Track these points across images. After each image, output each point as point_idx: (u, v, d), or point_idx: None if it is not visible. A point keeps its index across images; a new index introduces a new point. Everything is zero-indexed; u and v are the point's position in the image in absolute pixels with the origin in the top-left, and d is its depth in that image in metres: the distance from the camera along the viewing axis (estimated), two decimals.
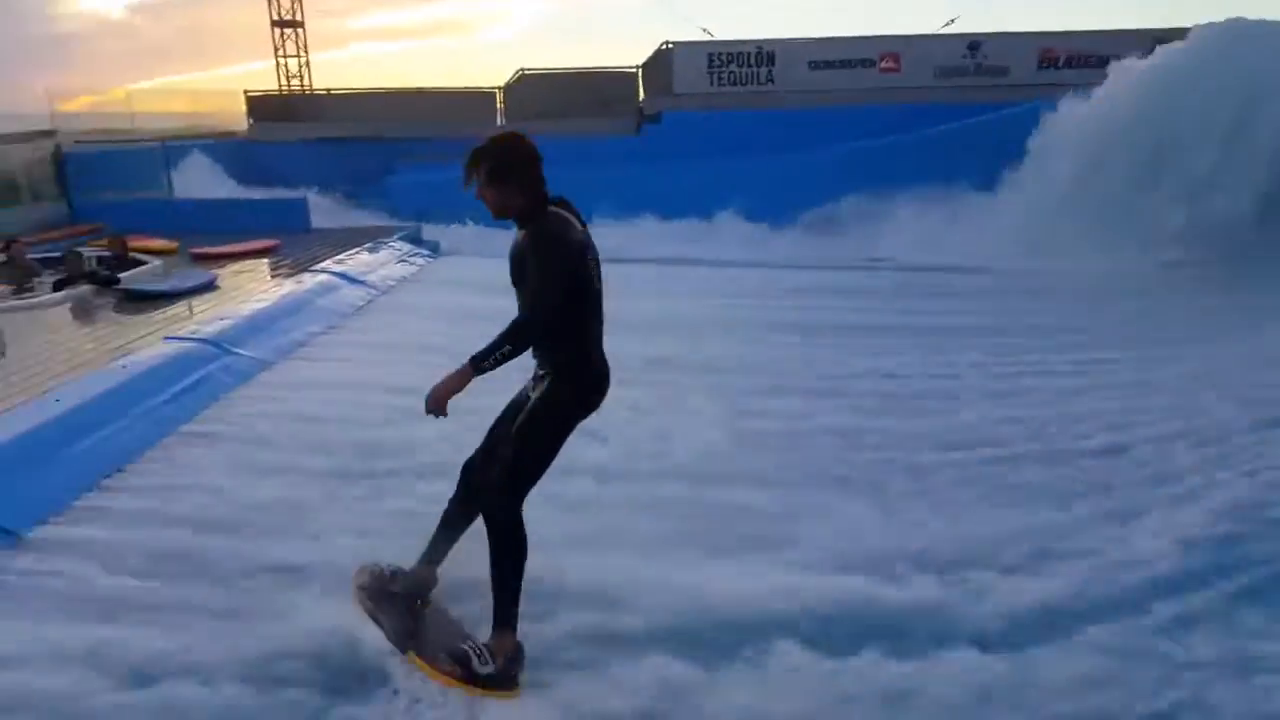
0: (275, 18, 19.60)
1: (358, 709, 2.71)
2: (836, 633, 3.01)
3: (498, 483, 2.82)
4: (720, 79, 17.41)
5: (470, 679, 2.72)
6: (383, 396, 5.42)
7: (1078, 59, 16.31)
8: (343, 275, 8.94)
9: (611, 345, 2.94)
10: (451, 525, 3.10)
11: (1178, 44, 11.87)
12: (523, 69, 17.85)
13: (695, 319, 7.97)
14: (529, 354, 2.81)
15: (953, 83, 16.73)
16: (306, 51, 19.86)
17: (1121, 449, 4.61)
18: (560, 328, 2.76)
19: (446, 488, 3.14)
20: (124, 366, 5.37)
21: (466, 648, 2.78)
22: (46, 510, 3.84)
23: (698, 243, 13.71)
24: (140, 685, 2.72)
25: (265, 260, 9.85)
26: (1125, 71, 12.33)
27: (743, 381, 6.03)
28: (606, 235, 11.99)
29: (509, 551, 2.80)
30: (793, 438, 4.95)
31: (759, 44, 17.44)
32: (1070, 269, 9.93)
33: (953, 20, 17.86)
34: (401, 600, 3.07)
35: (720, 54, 17.45)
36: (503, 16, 46.25)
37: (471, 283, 9.51)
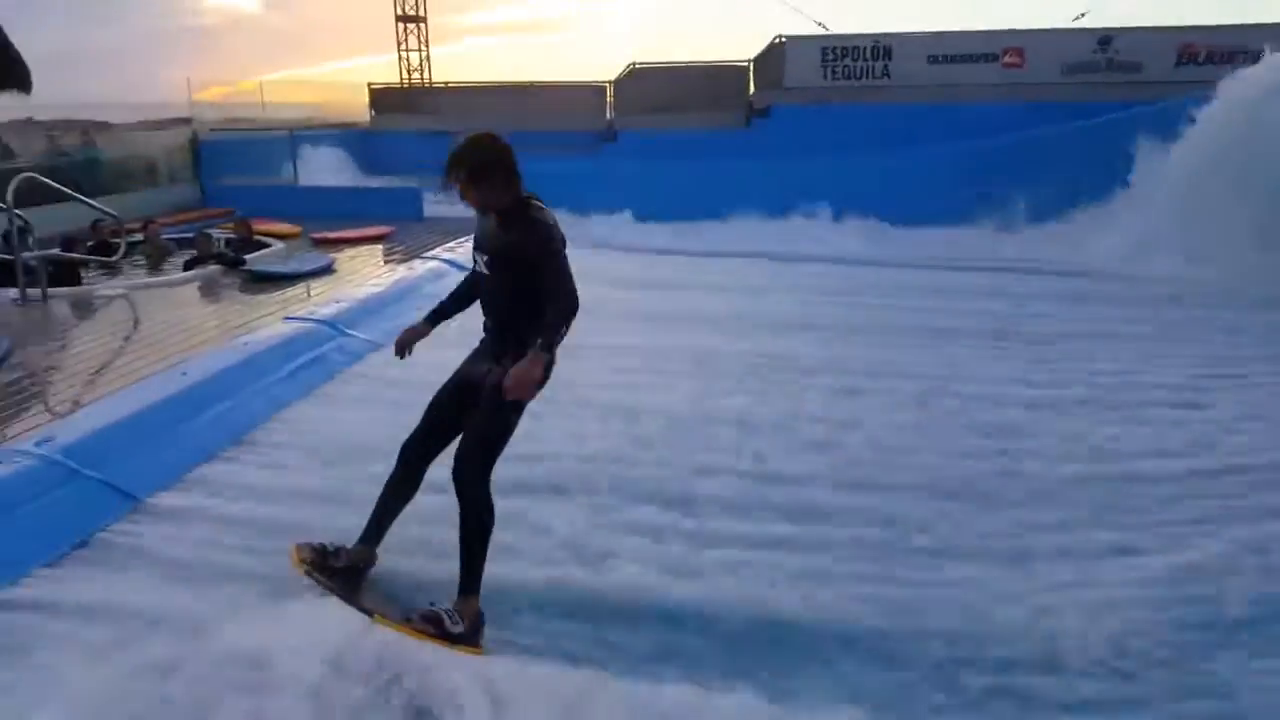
0: (400, 13, 20.20)
1: None
2: None
3: (476, 457, 2.98)
4: (834, 73, 16.91)
5: (444, 636, 2.88)
6: None
7: (1221, 54, 15.06)
8: (451, 262, 9.07)
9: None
10: (392, 505, 3.23)
11: None
12: (634, 63, 17.80)
13: (843, 319, 7.68)
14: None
15: (1082, 79, 15.75)
16: (427, 45, 20.42)
17: None
18: (537, 306, 2.91)
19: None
20: (245, 344, 5.53)
21: (439, 610, 2.95)
22: (166, 478, 3.97)
23: (808, 239, 13.35)
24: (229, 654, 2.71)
25: (380, 246, 10.11)
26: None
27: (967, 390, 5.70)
28: (715, 230, 11.90)
29: (481, 523, 2.98)
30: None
31: (875, 38, 16.85)
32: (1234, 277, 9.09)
33: (1083, 15, 16.90)
34: (346, 574, 3.18)
35: (834, 48, 16.95)
36: (615, 11, 46.56)
37: (580, 275, 9.55)
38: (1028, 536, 3.72)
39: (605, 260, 10.40)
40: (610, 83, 17.96)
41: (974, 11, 54.61)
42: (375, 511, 3.24)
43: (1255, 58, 12.47)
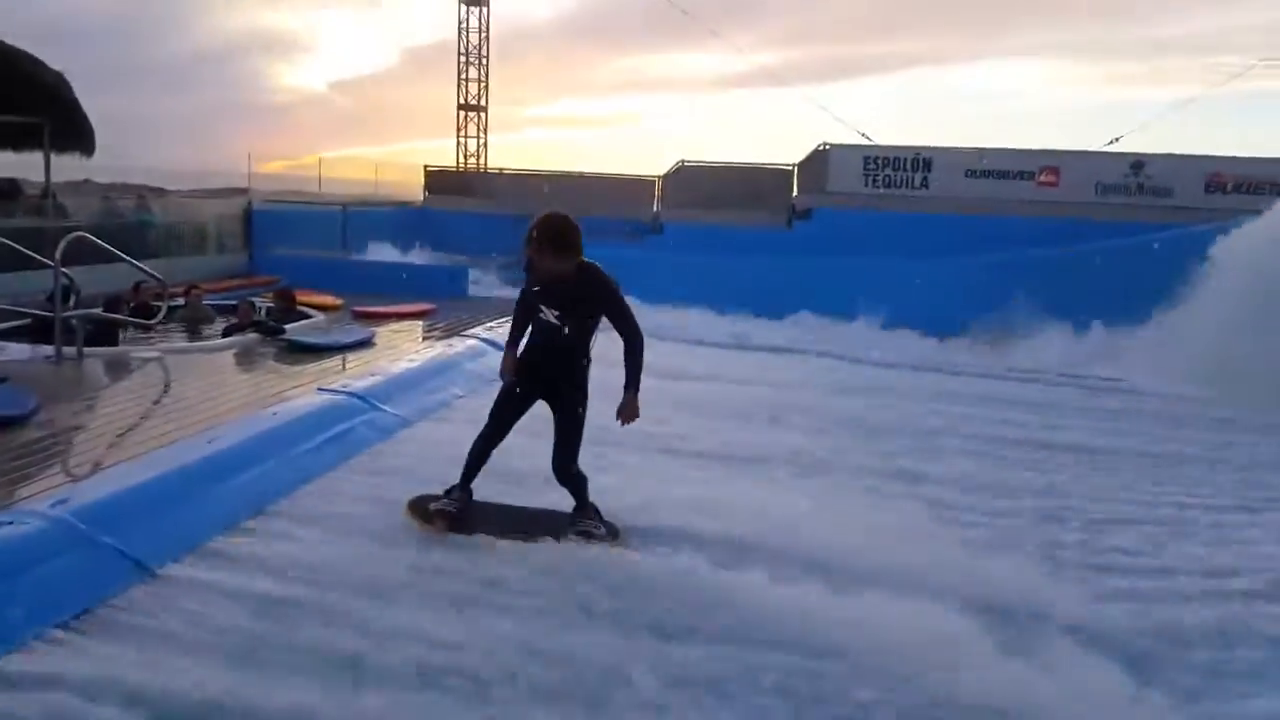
0: (462, 102, 20.95)
1: None
2: None
3: (569, 455, 4.18)
4: (875, 181, 17.19)
5: (605, 537, 4.10)
6: (505, 462, 5.33)
7: (1247, 185, 15.19)
8: (490, 341, 9.00)
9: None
10: (484, 458, 4.34)
11: None
12: (683, 160, 18.21)
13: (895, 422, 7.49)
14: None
15: (1114, 200, 15.93)
16: (485, 133, 21.09)
17: None
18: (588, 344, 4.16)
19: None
20: (274, 413, 5.43)
21: (583, 526, 4.13)
22: (182, 548, 3.79)
23: (850, 339, 13.24)
24: None
25: (421, 322, 10.13)
26: None
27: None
28: (759, 327, 11.76)
29: (582, 482, 4.25)
30: None
31: (917, 150, 17.17)
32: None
33: (1117, 139, 17.16)
34: (474, 508, 4.28)
35: (876, 158, 17.27)
36: (668, 110, 48.26)
37: (613, 359, 9.46)
38: None
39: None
40: (659, 177, 18.34)
41: (1012, 131, 55.91)
42: (472, 464, 4.33)
43: (1276, 189, 12.51)
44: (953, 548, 4.47)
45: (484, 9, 20.62)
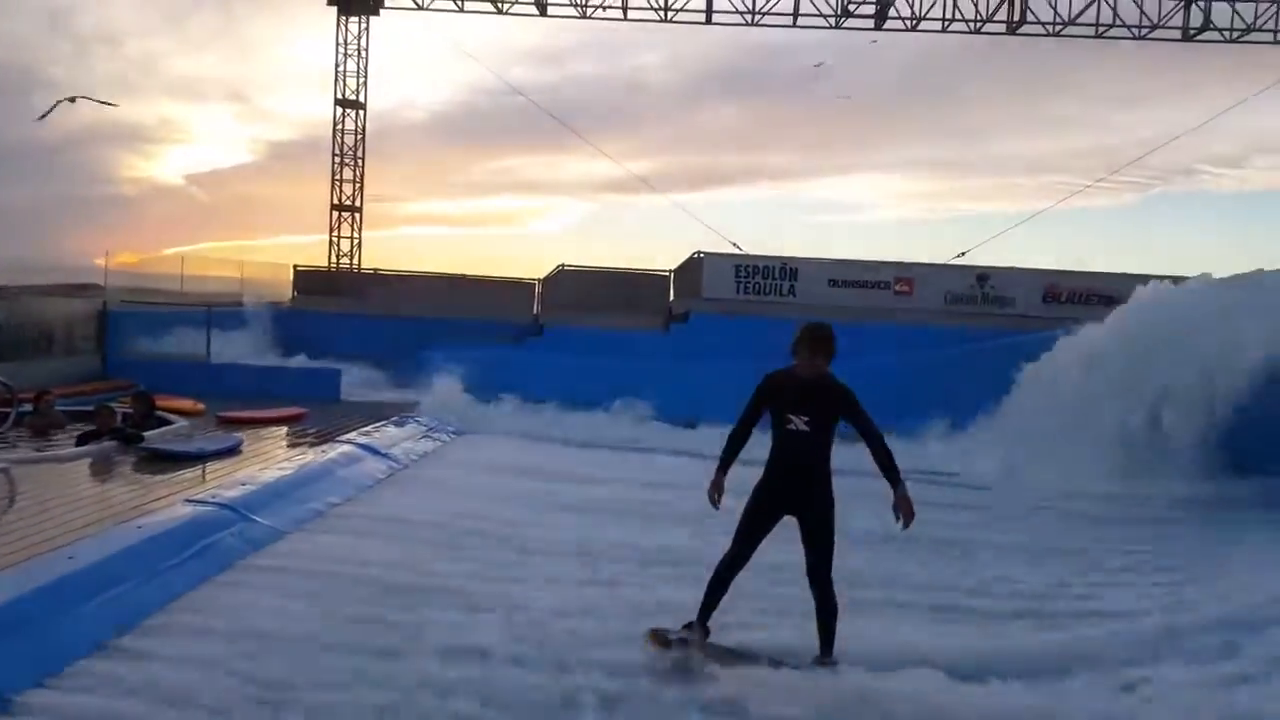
0: (335, 202, 20.99)
1: None
2: None
3: (828, 563, 4.30)
4: (746, 288, 18.33)
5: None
6: (384, 574, 5.34)
7: (1080, 295, 17.13)
8: (366, 447, 8.99)
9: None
10: (725, 587, 4.43)
11: (1194, 283, 12.21)
12: (562, 264, 18.82)
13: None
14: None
15: (962, 309, 17.58)
16: (360, 233, 21.12)
17: None
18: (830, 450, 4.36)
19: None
20: (140, 527, 5.30)
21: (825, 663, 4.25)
22: (43, 673, 3.67)
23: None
24: None
25: (292, 428, 9.96)
26: (1138, 307, 12.70)
27: None
28: (633, 427, 11.87)
29: (836, 606, 4.31)
30: None
31: (784, 260, 18.48)
32: (1076, 491, 9.75)
33: (964, 253, 19.08)
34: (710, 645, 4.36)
35: (747, 266, 18.47)
36: (547, 213, 49.33)
37: (489, 463, 9.56)
38: None
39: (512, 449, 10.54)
40: (539, 280, 18.84)
41: (871, 243, 60.55)
42: (707, 598, 4.41)
43: (1107, 299, 14.22)
44: None
45: (360, 112, 21.02)
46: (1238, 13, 18.60)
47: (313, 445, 8.82)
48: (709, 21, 19.67)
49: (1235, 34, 18.77)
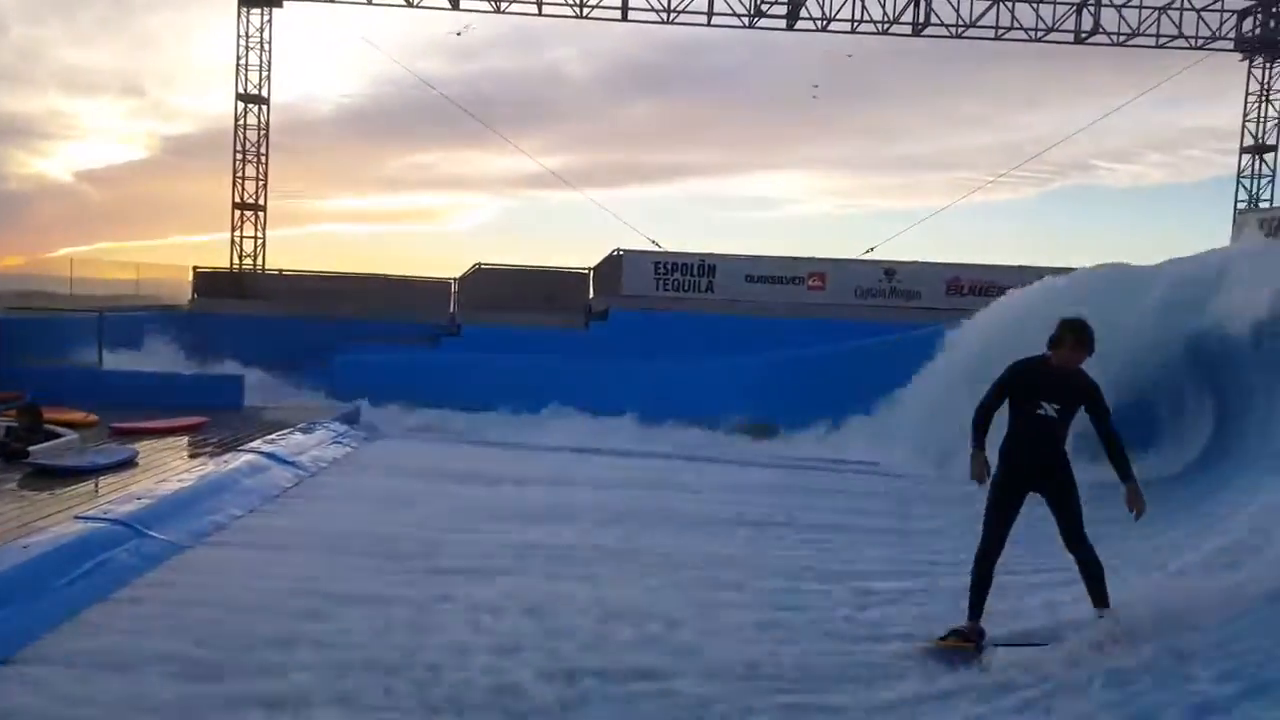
0: (238, 200, 20.32)
1: None
2: None
3: (1081, 526, 4.67)
4: (665, 285, 18.56)
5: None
6: (289, 588, 5.25)
7: (979, 288, 17.97)
8: (271, 455, 8.74)
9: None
10: (989, 581, 4.74)
11: (1058, 279, 12.85)
12: (479, 263, 18.67)
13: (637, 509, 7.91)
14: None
15: (871, 303, 18.23)
16: (264, 232, 20.49)
17: None
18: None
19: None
20: (25, 546, 5.08)
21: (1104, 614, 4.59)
22: None
23: (640, 435, 13.90)
24: None
25: (191, 437, 9.63)
26: (1009, 301, 13.35)
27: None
28: (554, 426, 11.82)
29: (1101, 563, 4.68)
30: None
31: (702, 257, 18.78)
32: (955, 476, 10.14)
33: (872, 249, 19.74)
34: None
35: (666, 263, 18.70)
36: (464, 210, 48.79)
37: (402, 468, 9.41)
38: None
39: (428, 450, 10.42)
40: (456, 279, 18.65)
41: (786, 239, 61.95)
42: (974, 595, 4.73)
43: (1004, 292, 14.90)
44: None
45: (264, 107, 20.38)
46: (1124, 18, 19.71)
47: (214, 455, 8.54)
48: (625, 19, 19.78)
49: (1122, 38, 19.88)
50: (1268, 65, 20.98)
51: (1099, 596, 4.67)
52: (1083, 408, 4.65)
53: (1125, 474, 4.55)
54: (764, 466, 11.15)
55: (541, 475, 9.29)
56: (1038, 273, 15.61)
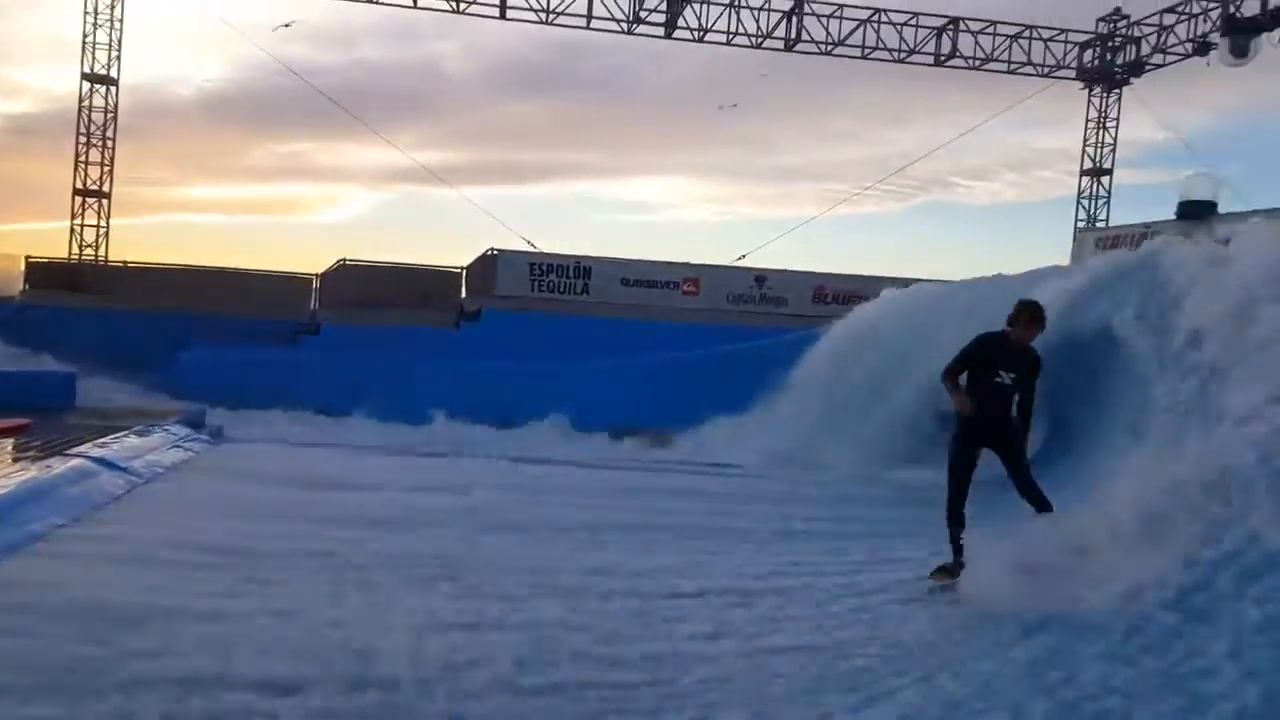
0: (80, 186, 18.93)
1: None
2: None
3: (1027, 471, 5.62)
4: (540, 286, 18.50)
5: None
6: (112, 603, 4.96)
7: (844, 296, 18.84)
8: (101, 460, 8.21)
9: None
10: (962, 522, 5.63)
11: (898, 291, 13.78)
12: (343, 259, 18.06)
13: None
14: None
15: (742, 309, 18.80)
16: (108, 220, 19.17)
17: None
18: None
19: None
20: None
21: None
22: None
23: (513, 437, 13.82)
24: None
25: (12, 440, 8.93)
26: (859, 311, 14.15)
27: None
28: (417, 429, 11.48)
29: (1048, 500, 5.54)
30: None
31: (578, 259, 18.83)
32: (827, 477, 10.66)
33: (744, 256, 20.34)
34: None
35: (542, 264, 18.64)
36: (333, 202, 47.01)
37: (247, 474, 9.00)
38: None
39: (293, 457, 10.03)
40: (317, 275, 17.98)
41: (662, 244, 62.96)
42: (953, 536, 5.62)
43: (866, 301, 15.67)
44: None
45: (112, 88, 19.09)
46: (979, 44, 21.04)
47: (35, 460, 7.95)
48: (503, 17, 19.63)
49: (977, 62, 21.21)
50: (1105, 95, 22.81)
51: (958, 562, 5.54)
52: (1026, 378, 5.64)
53: (1027, 425, 5.75)
54: (631, 469, 11.29)
55: (396, 480, 9.08)
56: (899, 282, 16.51)
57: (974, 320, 10.28)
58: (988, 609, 4.83)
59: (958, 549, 5.55)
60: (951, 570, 5.56)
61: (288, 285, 17.67)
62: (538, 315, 17.59)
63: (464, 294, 18.48)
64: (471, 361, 15.94)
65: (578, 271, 18.81)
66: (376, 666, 4.29)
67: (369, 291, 17.38)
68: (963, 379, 5.69)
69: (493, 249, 18.65)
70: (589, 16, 19.71)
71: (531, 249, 19.22)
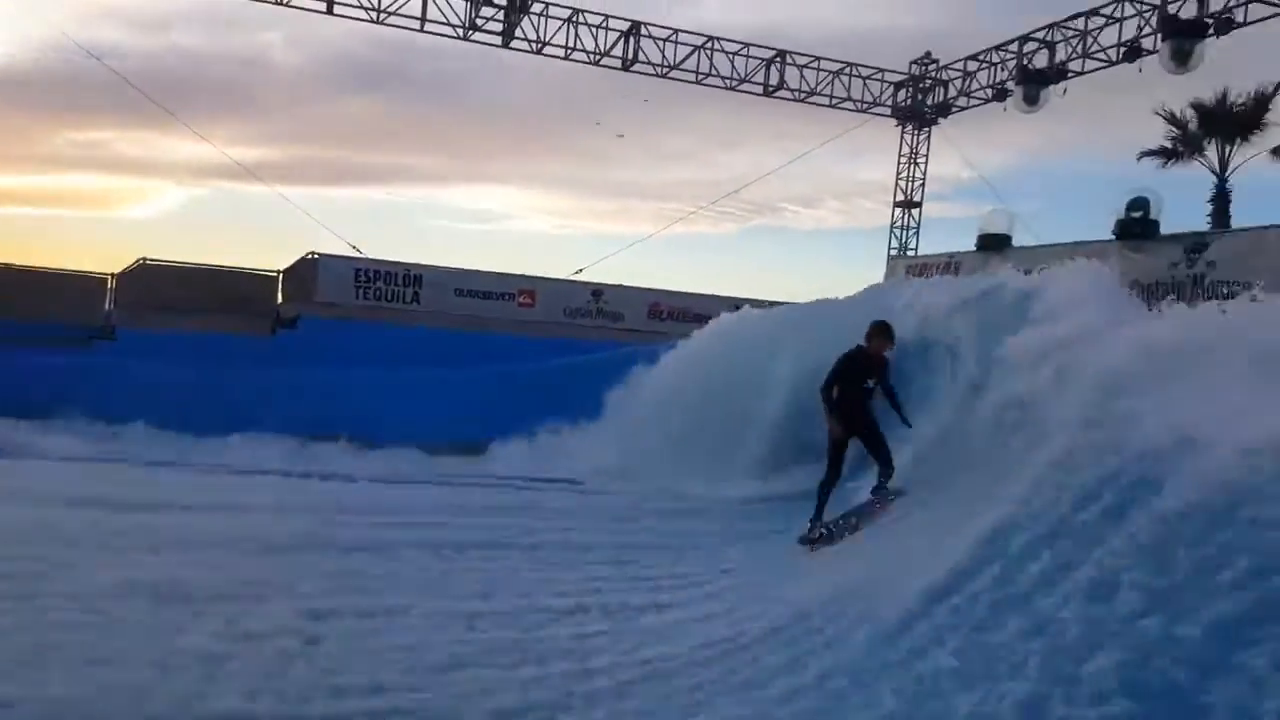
0: None
1: None
2: None
3: (885, 451, 7.53)
4: (366, 293, 17.88)
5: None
6: None
7: (678, 313, 19.47)
8: None
9: None
10: (829, 497, 7.51)
11: (729, 315, 14.45)
12: (144, 258, 16.74)
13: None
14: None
15: (579, 322, 18.97)
16: None
17: None
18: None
19: None
20: None
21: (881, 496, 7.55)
22: None
23: (337, 454, 13.26)
24: None
25: None
26: (700, 332, 14.72)
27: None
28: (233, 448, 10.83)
29: (892, 466, 7.53)
30: None
31: (408, 266, 18.35)
32: (660, 491, 10.92)
33: (581, 270, 20.57)
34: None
35: (368, 270, 18.03)
36: (138, 197, 43.41)
37: (23, 494, 8.16)
38: None
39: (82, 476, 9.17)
40: (113, 275, 16.57)
41: (498, 253, 62.49)
42: (818, 509, 7.46)
43: (702, 318, 16.20)
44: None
45: None
46: (804, 77, 22.32)
47: None
48: (330, 12, 18.93)
49: (803, 94, 22.48)
50: (916, 132, 24.73)
51: (885, 477, 7.51)
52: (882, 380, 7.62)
53: (898, 404, 7.75)
54: (462, 485, 11.12)
55: (186, 500, 8.50)
56: (730, 301, 17.18)
57: (805, 339, 10.99)
58: None
59: (820, 514, 7.35)
60: (813, 534, 7.28)
61: (77, 285, 16.15)
62: (362, 324, 16.97)
63: (280, 299, 17.54)
64: (283, 370, 15.12)
65: (408, 279, 18.32)
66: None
67: (173, 294, 16.17)
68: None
69: (313, 253, 17.85)
70: (423, 19, 19.35)
71: (357, 254, 18.54)
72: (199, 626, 5.06)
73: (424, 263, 18.66)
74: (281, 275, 17.61)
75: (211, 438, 13.23)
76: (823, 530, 7.23)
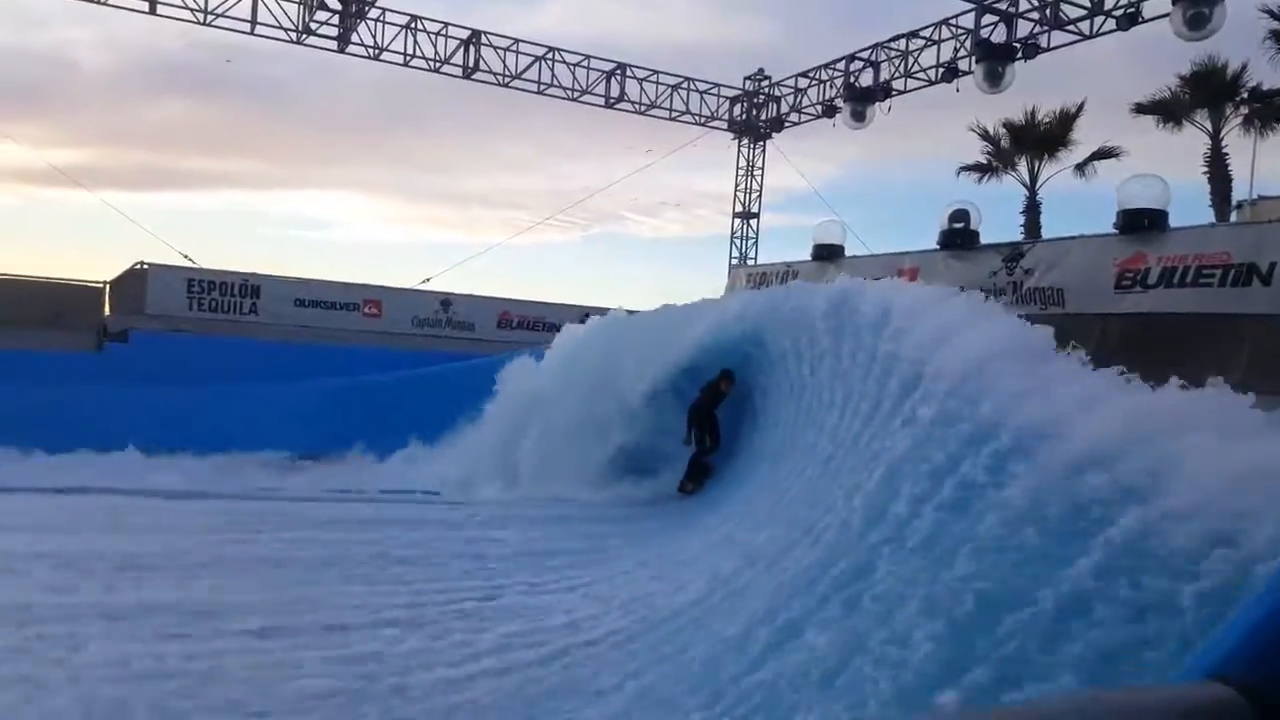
0: None
1: None
2: None
3: (716, 442, 11.74)
4: (200, 305, 18.05)
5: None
6: None
7: (528, 322, 20.68)
8: None
9: None
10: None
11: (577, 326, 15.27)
12: None
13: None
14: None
15: (428, 333, 19.81)
16: None
17: None
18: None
19: None
20: None
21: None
22: None
23: (177, 471, 13.40)
24: None
25: None
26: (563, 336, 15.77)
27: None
28: (65, 465, 10.75)
29: (712, 463, 11.85)
30: None
31: (245, 276, 18.64)
32: (531, 498, 11.65)
33: (429, 279, 21.36)
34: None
35: (202, 280, 18.20)
36: None
37: None
38: None
39: None
40: None
41: (339, 262, 61.53)
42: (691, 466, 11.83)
43: (552, 327, 17.35)
44: None
45: None
46: (644, 90, 24.12)
47: None
48: (153, 12, 18.97)
49: (643, 107, 24.28)
50: (751, 145, 27.07)
51: (690, 476, 11.74)
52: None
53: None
54: (308, 500, 11.54)
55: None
56: (579, 310, 18.49)
57: (653, 347, 12.22)
58: None
59: (691, 472, 11.71)
60: (687, 485, 11.66)
61: None
62: (197, 337, 17.17)
63: (108, 312, 17.47)
64: (107, 387, 15.12)
65: (245, 290, 18.60)
66: None
67: None
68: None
69: (142, 262, 17.88)
70: (253, 22, 19.69)
71: (189, 264, 18.66)
72: None
73: (261, 272, 18.98)
74: (108, 286, 17.53)
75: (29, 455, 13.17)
76: (690, 484, 11.65)
